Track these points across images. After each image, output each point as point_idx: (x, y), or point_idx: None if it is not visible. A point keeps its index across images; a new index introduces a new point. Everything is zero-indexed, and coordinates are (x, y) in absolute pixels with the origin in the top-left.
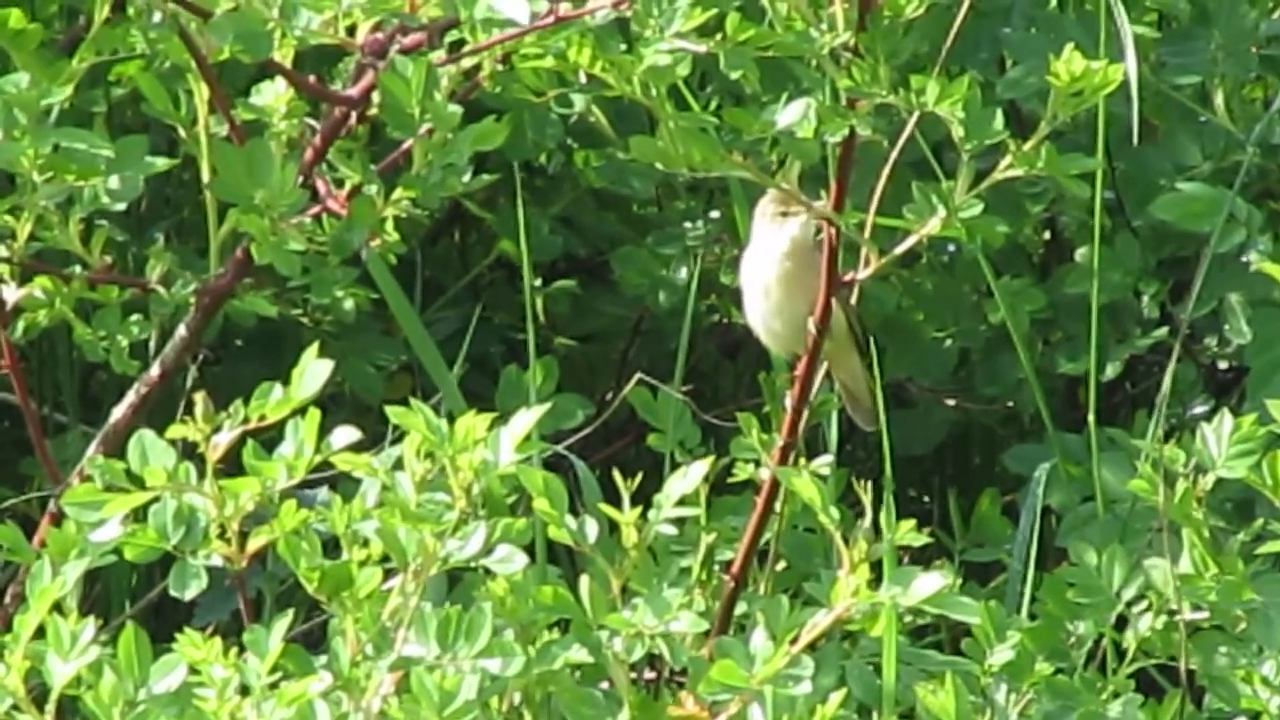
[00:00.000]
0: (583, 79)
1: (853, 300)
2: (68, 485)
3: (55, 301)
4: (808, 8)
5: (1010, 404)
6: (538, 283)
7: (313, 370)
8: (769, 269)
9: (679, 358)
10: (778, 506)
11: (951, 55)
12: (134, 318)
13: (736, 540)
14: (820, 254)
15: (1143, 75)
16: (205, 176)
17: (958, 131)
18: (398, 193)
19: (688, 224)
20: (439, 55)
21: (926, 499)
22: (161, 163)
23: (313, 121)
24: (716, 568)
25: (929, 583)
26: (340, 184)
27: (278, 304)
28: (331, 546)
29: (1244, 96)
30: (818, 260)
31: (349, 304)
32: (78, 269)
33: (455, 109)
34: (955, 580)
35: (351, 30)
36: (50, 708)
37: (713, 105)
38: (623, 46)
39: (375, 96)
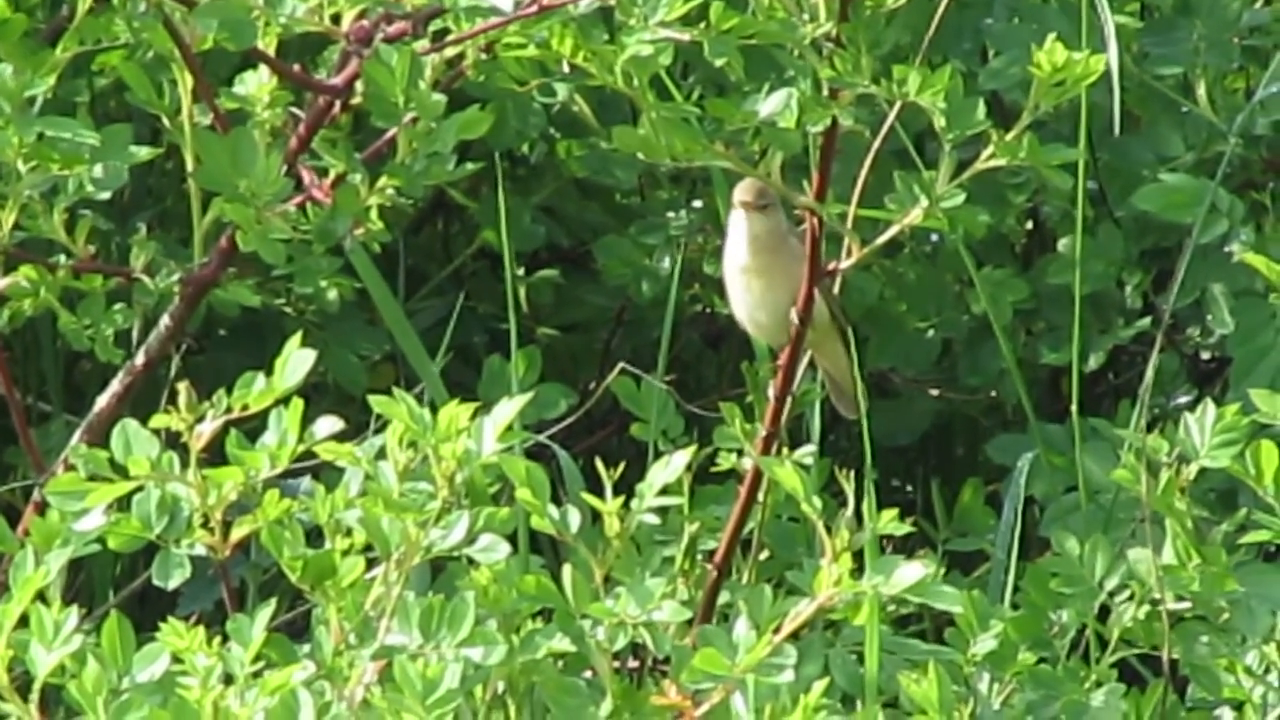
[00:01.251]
0: (565, 68)
1: (835, 290)
2: (51, 474)
3: (40, 290)
4: None
5: (993, 394)
6: (520, 272)
7: (296, 360)
8: (744, 263)
9: (662, 347)
10: (761, 496)
11: (934, 45)
12: (118, 307)
13: (720, 530)
14: (798, 243)
15: (1125, 66)
16: (189, 166)
17: (939, 122)
18: (382, 181)
19: (670, 214)
20: (423, 44)
21: (910, 489)
22: (145, 152)
23: (296, 110)
24: (700, 557)
25: (911, 572)
26: (324, 173)
27: (261, 293)
28: (314, 536)
29: (1226, 87)
30: (795, 250)
31: (332, 293)
32: (62, 258)
33: (439, 98)
34: (938, 570)
35: (336, 19)
36: (34, 697)
37: (695, 95)
38: (605, 36)
39: (359, 85)
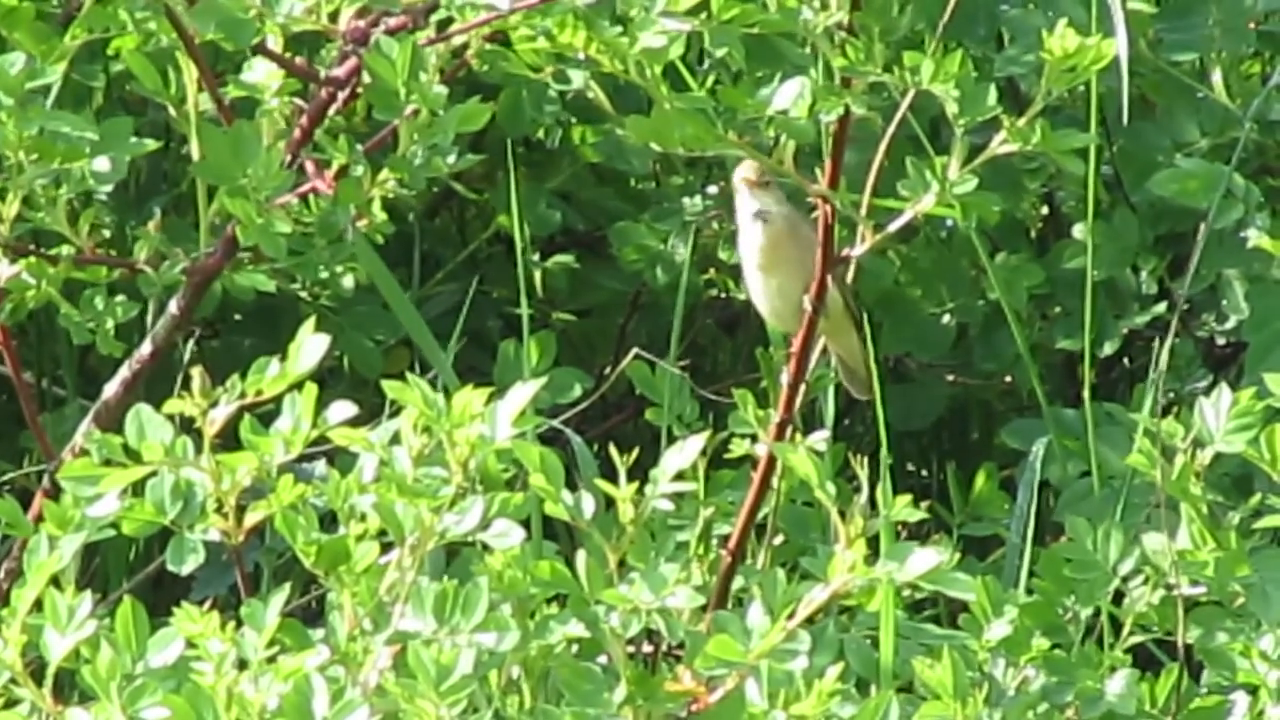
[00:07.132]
0: (580, 55)
1: (849, 277)
2: (63, 460)
3: (41, 283)
4: None
5: (1008, 379)
6: (536, 257)
7: (309, 345)
8: (757, 251)
9: (676, 332)
10: (775, 481)
11: (948, 31)
12: (119, 299)
13: (734, 514)
14: (810, 231)
15: (1140, 51)
16: (195, 156)
17: (951, 108)
18: (384, 174)
19: (685, 199)
20: (426, 34)
21: (925, 473)
22: (150, 144)
23: (302, 102)
24: (714, 541)
25: (925, 559)
26: (328, 164)
27: (276, 278)
28: (329, 521)
29: (1241, 72)
30: (807, 239)
31: (348, 279)
32: (65, 250)
33: (441, 89)
34: (953, 555)
35: (334, 16)
36: (48, 682)
37: (711, 82)
38: (617, 27)
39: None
